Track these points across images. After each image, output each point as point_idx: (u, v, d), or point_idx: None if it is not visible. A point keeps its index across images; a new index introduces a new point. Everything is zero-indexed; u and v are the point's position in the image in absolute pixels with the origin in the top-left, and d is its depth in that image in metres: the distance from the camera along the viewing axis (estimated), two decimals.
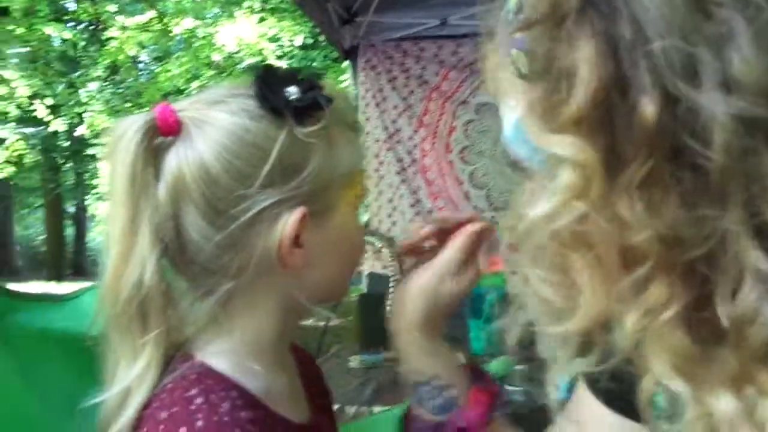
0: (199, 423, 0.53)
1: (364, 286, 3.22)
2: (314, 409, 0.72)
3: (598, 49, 0.39)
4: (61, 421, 0.63)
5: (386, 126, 3.55)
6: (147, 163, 0.57)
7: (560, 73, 0.41)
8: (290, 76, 0.61)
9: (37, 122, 12.22)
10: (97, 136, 12.72)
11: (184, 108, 0.60)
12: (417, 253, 0.73)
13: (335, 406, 1.28)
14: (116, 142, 0.58)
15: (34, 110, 10.96)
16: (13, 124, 12.15)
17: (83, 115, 12.64)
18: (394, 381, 1.50)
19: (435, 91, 3.54)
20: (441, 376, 0.69)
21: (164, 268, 0.59)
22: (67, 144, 14.57)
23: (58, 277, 14.26)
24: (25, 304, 0.72)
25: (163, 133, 0.59)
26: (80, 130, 12.18)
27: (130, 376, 0.57)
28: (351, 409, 1.23)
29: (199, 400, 0.55)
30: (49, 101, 11.11)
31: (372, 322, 1.70)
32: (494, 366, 1.18)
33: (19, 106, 11.13)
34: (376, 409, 1.22)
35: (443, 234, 0.71)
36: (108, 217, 0.58)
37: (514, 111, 0.49)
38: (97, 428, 0.58)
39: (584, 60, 0.39)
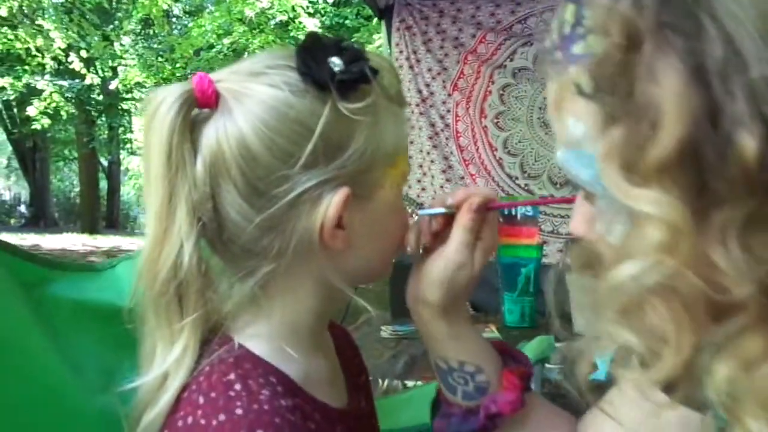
0: (239, 411, 0.51)
1: None
2: (351, 391, 0.70)
3: (685, 79, 0.34)
4: (95, 395, 0.62)
5: (419, 89, 3.47)
6: (184, 138, 0.55)
7: (640, 111, 0.36)
8: (334, 46, 0.57)
9: (73, 75, 12.37)
10: (129, 90, 12.86)
11: (222, 79, 0.57)
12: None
13: None
14: (152, 114, 0.55)
15: (70, 63, 11.07)
16: (50, 76, 12.30)
17: (117, 69, 12.74)
18: (426, 353, 1.49)
19: (471, 53, 3.43)
20: (469, 362, 0.66)
21: (202, 249, 0.57)
22: (100, 98, 14.72)
23: (92, 230, 14.61)
24: (60, 273, 0.71)
25: (201, 105, 0.56)
26: (113, 84, 12.29)
27: (167, 360, 0.56)
28: (383, 383, 1.22)
29: (237, 386, 0.53)
30: (84, 54, 11.20)
31: (403, 292, 1.67)
32: (535, 344, 1.15)
33: (55, 58, 11.26)
34: (409, 383, 1.21)
35: (449, 218, 0.66)
36: (144, 194, 0.56)
37: (575, 130, 0.44)
38: (132, 410, 0.57)
39: (669, 94, 0.34)
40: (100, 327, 0.69)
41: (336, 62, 0.56)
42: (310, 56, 0.55)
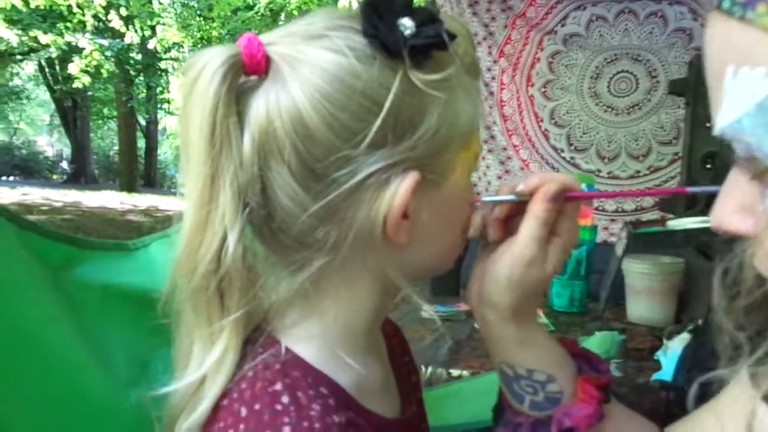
0: (286, 429, 0.44)
1: None
2: (404, 395, 0.63)
3: None
4: (125, 392, 0.56)
5: None
6: (229, 110, 0.47)
7: None
8: (404, 5, 0.48)
9: (113, 34, 12.42)
10: (168, 50, 12.87)
11: (273, 41, 0.48)
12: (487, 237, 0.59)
13: None
14: (193, 81, 0.47)
15: (110, 21, 11.10)
16: (90, 34, 12.37)
17: (155, 28, 12.74)
18: (471, 337, 1.42)
19: (520, 17, 3.26)
20: (540, 369, 0.58)
21: (248, 239, 0.50)
22: (139, 57, 14.78)
23: (130, 188, 14.86)
24: (90, 254, 0.65)
25: (249, 72, 0.48)
26: (152, 44, 12.30)
27: (206, 363, 0.49)
28: (427, 370, 1.15)
29: (285, 399, 0.46)
30: (123, 12, 11.21)
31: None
32: (597, 340, 1.06)
33: (95, 16, 11.30)
34: (454, 372, 1.14)
35: (519, 206, 0.57)
36: (182, 173, 0.48)
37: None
38: (165, 414, 0.50)
39: None
40: (131, 314, 0.63)
41: (407, 24, 0.47)
42: (378, 16, 0.46)
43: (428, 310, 0.55)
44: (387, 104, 0.46)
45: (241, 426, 0.46)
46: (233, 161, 0.47)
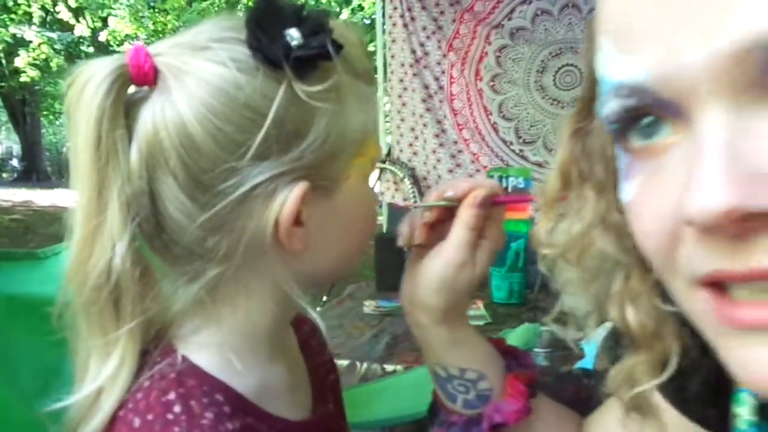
0: None
1: (383, 218, 3.15)
2: (318, 394, 0.65)
3: None
4: (31, 400, 0.56)
5: (413, 49, 3.35)
6: (115, 122, 0.47)
7: None
8: (293, 14, 0.49)
9: (61, 26, 12.04)
10: (121, 43, 12.52)
11: (161, 52, 0.49)
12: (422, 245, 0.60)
13: (345, 362, 1.23)
14: (78, 93, 0.47)
15: (58, 12, 10.75)
16: (37, 26, 11.97)
17: (107, 20, 12.39)
18: (409, 332, 1.44)
19: (468, 12, 3.30)
20: (471, 368, 0.60)
21: (141, 250, 0.50)
22: (90, 50, 14.36)
23: None
24: None
25: (137, 82, 0.48)
26: (103, 36, 11.97)
27: (102, 374, 0.49)
28: (362, 366, 1.17)
29: (177, 409, 0.47)
30: (72, 3, 10.87)
31: (389, 265, 1.60)
32: (520, 333, 1.10)
33: (43, 8, 10.93)
34: (389, 367, 1.16)
35: (448, 212, 0.58)
36: (72, 186, 0.48)
37: None
38: (63, 428, 0.50)
39: None
40: (39, 324, 0.62)
41: (293, 35, 0.47)
42: (262, 27, 0.47)
43: (317, 319, 0.55)
44: (270, 115, 0.46)
45: None
46: (120, 173, 0.47)
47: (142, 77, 0.48)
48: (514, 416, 0.59)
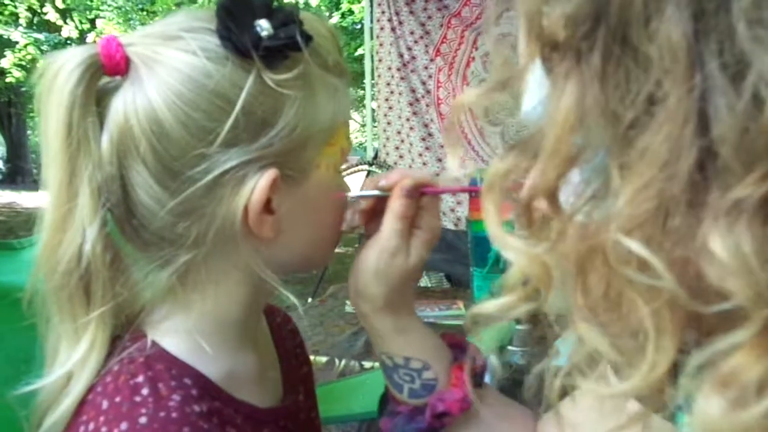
0: (143, 419, 0.46)
1: None
2: (289, 385, 0.65)
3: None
4: (3, 386, 0.56)
5: (401, 53, 3.37)
6: (87, 110, 0.48)
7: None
8: (263, 6, 0.50)
9: (48, 27, 11.96)
10: None
11: (133, 42, 0.49)
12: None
13: (324, 359, 1.23)
14: (50, 82, 0.48)
15: (45, 14, 10.68)
16: (24, 27, 11.88)
17: (95, 21, 12.33)
18: None
19: (455, 17, 3.33)
20: (415, 357, 0.61)
21: (112, 236, 0.51)
22: None
23: None
24: None
25: (108, 72, 0.49)
26: (91, 38, 11.90)
27: (71, 359, 0.50)
28: (340, 363, 1.18)
29: (145, 391, 0.48)
30: (60, 4, 10.81)
31: None
32: (495, 330, 1.11)
33: (30, 9, 10.85)
34: (367, 364, 1.17)
35: (385, 201, 0.59)
36: (43, 174, 0.49)
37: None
38: (33, 412, 0.51)
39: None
40: (11, 312, 0.63)
41: (263, 26, 0.49)
42: (232, 17, 0.48)
43: (299, 306, 0.56)
44: (239, 103, 0.47)
45: (101, 418, 0.47)
46: (91, 160, 0.48)
47: (114, 67, 0.48)
48: (457, 405, 0.60)
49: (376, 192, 0.59)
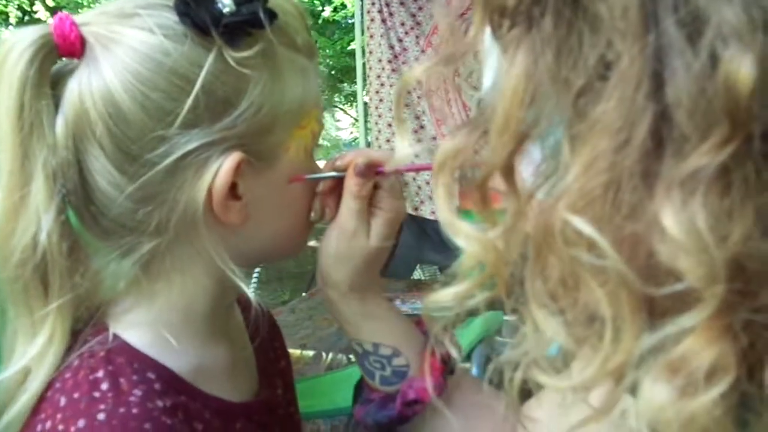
0: (101, 416, 0.44)
1: None
2: (266, 379, 0.63)
3: None
4: None
5: (392, 45, 3.34)
6: (39, 92, 0.45)
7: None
8: None
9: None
10: None
11: (88, 21, 0.47)
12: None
13: (311, 353, 1.21)
14: (0, 63, 0.45)
15: (35, 12, 10.62)
16: (14, 27, 11.81)
17: None
18: None
19: (445, 7, 3.30)
20: (385, 344, 0.59)
21: (71, 224, 0.49)
22: None
23: None
24: None
25: (63, 54, 0.47)
26: None
27: (28, 354, 0.48)
28: (327, 356, 1.16)
29: (104, 386, 0.46)
30: (50, 3, 10.75)
31: None
32: (482, 320, 1.09)
33: (20, 7, 10.79)
34: (354, 357, 1.15)
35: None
36: None
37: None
38: None
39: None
40: None
41: (224, 1, 0.46)
42: None
43: (252, 299, 0.54)
44: (198, 82, 0.45)
45: (58, 416, 0.45)
46: (45, 144, 0.46)
47: (69, 47, 0.46)
48: (428, 392, 0.58)
49: (332, 173, 0.57)
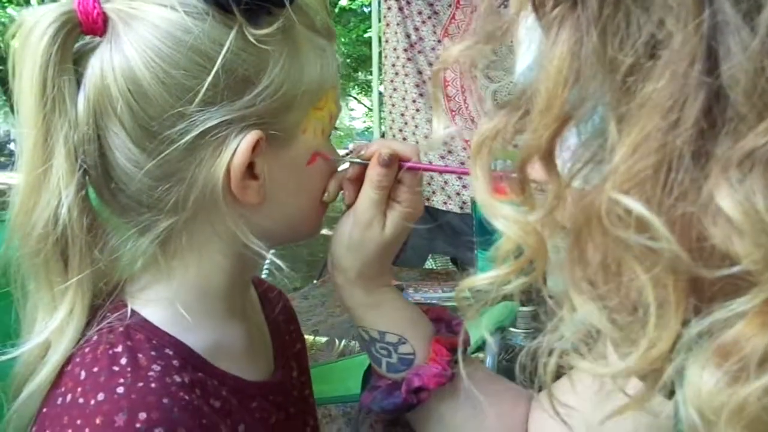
0: (120, 389, 0.44)
1: None
2: (281, 361, 0.64)
3: None
4: None
5: (408, 33, 3.32)
6: (61, 69, 0.46)
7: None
8: None
9: None
10: None
11: None
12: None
13: (324, 339, 1.22)
14: (24, 40, 0.46)
15: None
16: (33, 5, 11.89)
17: None
18: None
19: None
20: (391, 332, 0.59)
21: (89, 200, 0.49)
22: None
23: None
24: None
25: (86, 31, 0.47)
26: None
27: (48, 327, 0.48)
28: (340, 343, 1.16)
29: (123, 361, 0.46)
30: None
31: None
32: (496, 311, 1.09)
33: None
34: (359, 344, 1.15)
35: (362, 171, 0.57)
36: (17, 134, 0.47)
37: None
38: (10, 383, 0.49)
39: None
40: None
41: None
42: None
43: (288, 277, 0.55)
44: (219, 60, 0.45)
45: (78, 389, 0.45)
46: (67, 120, 0.46)
47: (91, 24, 0.46)
48: (434, 380, 0.58)
49: (356, 159, 0.57)
